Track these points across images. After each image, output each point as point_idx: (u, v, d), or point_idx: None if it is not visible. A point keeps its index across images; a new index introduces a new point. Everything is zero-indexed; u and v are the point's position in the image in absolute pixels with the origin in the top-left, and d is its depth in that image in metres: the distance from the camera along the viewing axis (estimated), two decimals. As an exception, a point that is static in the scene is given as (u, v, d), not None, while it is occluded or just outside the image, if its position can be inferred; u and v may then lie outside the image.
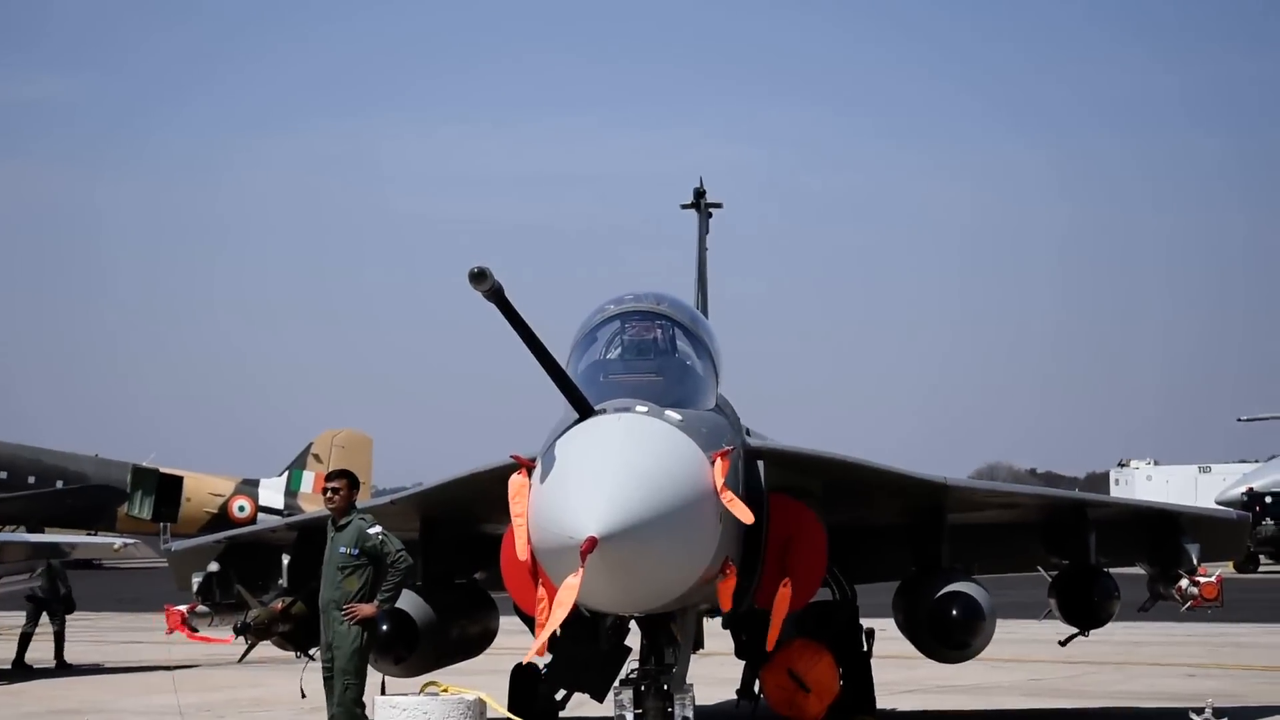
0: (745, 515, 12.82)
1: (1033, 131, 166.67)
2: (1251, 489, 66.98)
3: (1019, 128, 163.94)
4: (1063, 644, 19.77)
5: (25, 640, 31.20)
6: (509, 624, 17.95)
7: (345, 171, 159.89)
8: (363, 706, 16.04)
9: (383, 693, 16.35)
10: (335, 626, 16.06)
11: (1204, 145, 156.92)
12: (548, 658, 14.87)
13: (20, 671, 29.99)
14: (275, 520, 35.13)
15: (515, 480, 13.07)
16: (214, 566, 18.42)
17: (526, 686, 17.43)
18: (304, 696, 16.82)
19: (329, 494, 16.45)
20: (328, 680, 16.16)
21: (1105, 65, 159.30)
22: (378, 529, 16.20)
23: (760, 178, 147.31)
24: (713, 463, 12.83)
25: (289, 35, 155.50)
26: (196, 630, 18.22)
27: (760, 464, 15.07)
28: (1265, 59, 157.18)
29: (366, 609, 16.03)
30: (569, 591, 12.10)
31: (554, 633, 13.00)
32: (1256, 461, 77.75)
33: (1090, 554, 18.70)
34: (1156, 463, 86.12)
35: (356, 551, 16.15)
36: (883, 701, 19.44)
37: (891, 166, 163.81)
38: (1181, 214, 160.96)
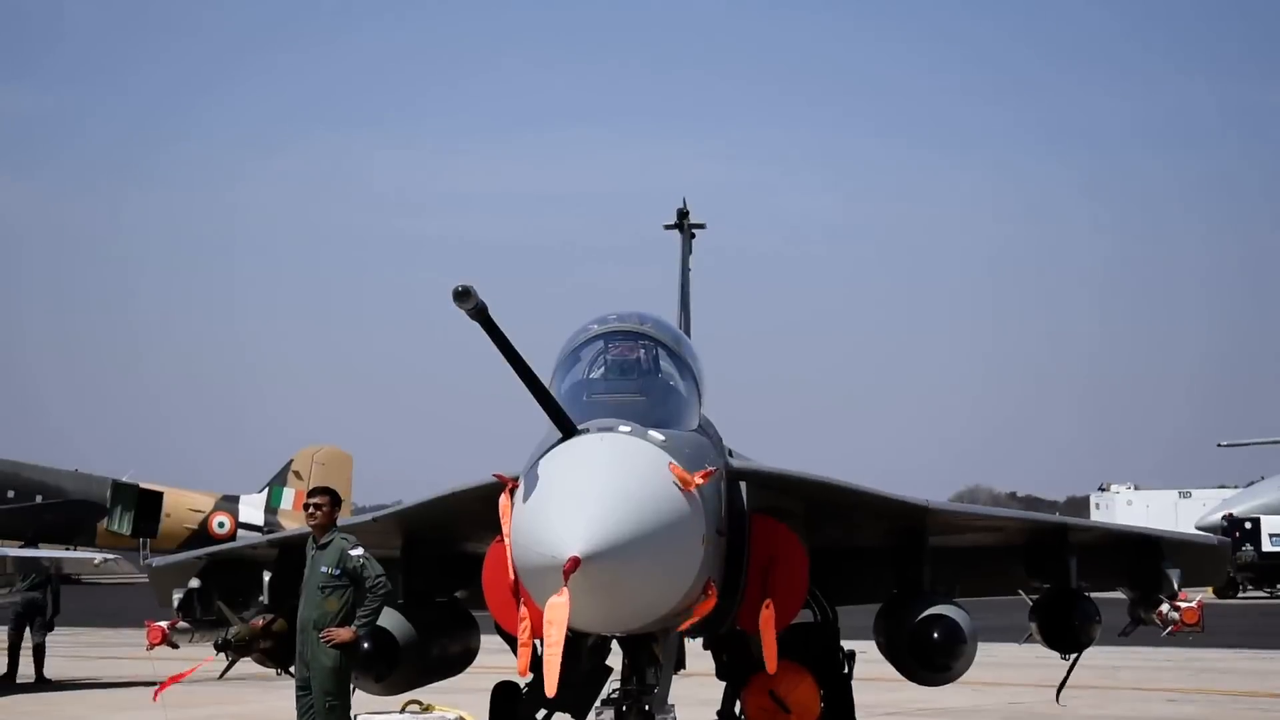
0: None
1: (1017, 151, 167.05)
2: (1231, 514, 67.20)
3: (1004, 147, 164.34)
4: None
5: (15, 650, 31.28)
6: (490, 643, 17.92)
7: (326, 188, 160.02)
8: None
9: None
10: (314, 647, 16.03)
11: (1171, 167, 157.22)
12: (529, 677, 14.85)
13: (4, 685, 29.97)
14: (256, 537, 35.05)
15: (505, 500, 13.09)
16: (195, 583, 18.34)
17: (507, 705, 17.39)
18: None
19: (311, 510, 16.40)
20: (301, 697, 16.13)
21: (1054, 93, 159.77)
22: (360, 551, 16.16)
23: (744, 197, 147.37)
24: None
25: (271, 51, 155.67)
26: (178, 646, 18.17)
27: (743, 485, 15.05)
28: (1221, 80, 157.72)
29: (344, 634, 15.96)
30: (558, 610, 12.04)
31: (535, 651, 12.96)
32: (1236, 487, 78.02)
33: (1071, 578, 18.68)
34: (1136, 487, 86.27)
35: (339, 572, 16.11)
36: (863, 724, 19.46)
37: (873, 188, 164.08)
38: (1162, 239, 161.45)
